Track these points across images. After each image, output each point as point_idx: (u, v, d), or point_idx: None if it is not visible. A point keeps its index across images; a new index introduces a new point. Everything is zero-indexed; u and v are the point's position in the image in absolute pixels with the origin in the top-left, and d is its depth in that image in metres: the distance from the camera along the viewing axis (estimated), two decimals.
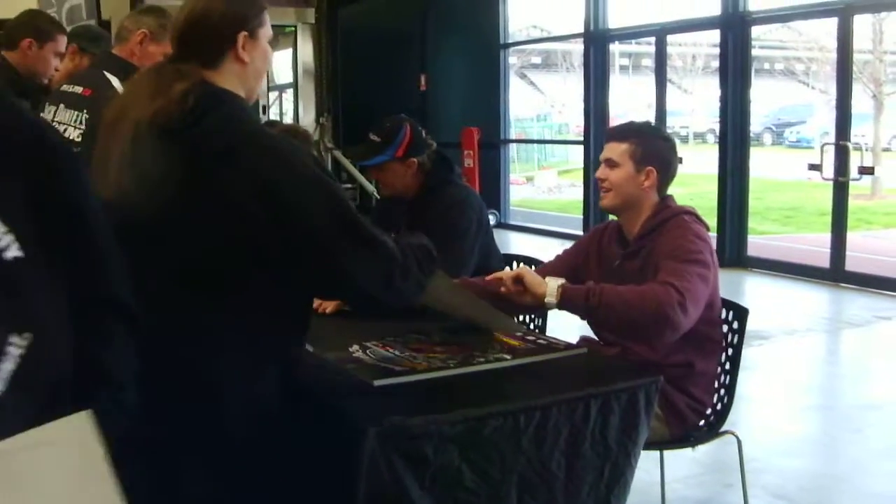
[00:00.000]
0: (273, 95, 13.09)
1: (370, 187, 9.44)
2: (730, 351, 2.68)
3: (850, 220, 7.36)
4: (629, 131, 2.67)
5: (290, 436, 1.92)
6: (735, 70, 7.93)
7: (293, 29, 12.33)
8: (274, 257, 1.76)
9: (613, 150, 2.63)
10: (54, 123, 2.85)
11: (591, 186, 8.79)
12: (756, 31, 8.20)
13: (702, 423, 2.65)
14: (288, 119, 13.36)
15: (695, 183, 12.84)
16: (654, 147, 2.62)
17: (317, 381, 2.16)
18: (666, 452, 2.90)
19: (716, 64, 8.84)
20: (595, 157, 7.40)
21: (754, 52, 8.38)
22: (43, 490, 1.00)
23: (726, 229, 7.94)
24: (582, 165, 10.14)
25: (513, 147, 11.52)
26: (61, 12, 9.70)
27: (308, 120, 12.13)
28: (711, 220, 7.81)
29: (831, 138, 7.34)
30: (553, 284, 2.36)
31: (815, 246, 8.59)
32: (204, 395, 1.78)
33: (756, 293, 7.10)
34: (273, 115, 12.91)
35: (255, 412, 1.82)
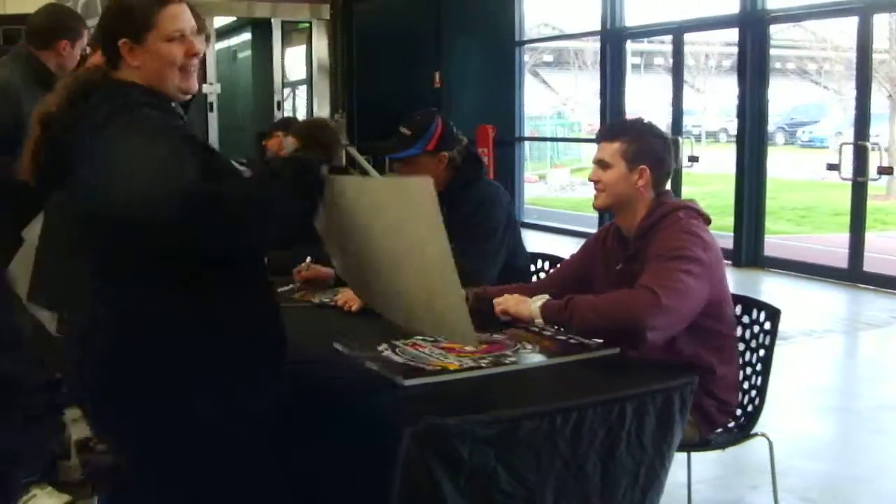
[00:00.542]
0: (286, 91, 13.05)
1: None
2: (761, 352, 2.65)
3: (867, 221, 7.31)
4: (620, 129, 2.63)
5: (290, 435, 1.93)
6: (753, 69, 7.84)
7: (308, 25, 12.30)
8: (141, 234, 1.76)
9: (605, 150, 2.57)
10: None
11: None
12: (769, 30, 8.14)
13: (731, 423, 2.63)
14: (300, 116, 13.32)
15: (709, 182, 12.80)
16: (646, 144, 2.56)
17: (345, 380, 2.15)
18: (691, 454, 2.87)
19: (728, 63, 8.83)
20: None
21: None
22: None
23: (743, 229, 7.86)
24: None
25: (526, 145, 11.46)
26: (77, 6, 9.70)
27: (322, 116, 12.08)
28: (728, 220, 7.86)
29: (845, 138, 7.29)
30: (535, 305, 2.45)
31: (830, 246, 8.54)
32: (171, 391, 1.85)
33: (774, 293, 7.04)
34: (287, 111, 12.87)
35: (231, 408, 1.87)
